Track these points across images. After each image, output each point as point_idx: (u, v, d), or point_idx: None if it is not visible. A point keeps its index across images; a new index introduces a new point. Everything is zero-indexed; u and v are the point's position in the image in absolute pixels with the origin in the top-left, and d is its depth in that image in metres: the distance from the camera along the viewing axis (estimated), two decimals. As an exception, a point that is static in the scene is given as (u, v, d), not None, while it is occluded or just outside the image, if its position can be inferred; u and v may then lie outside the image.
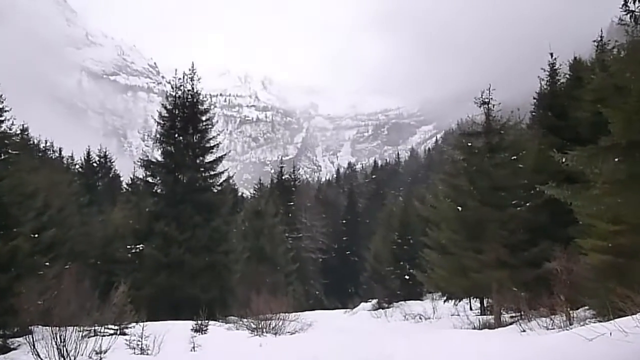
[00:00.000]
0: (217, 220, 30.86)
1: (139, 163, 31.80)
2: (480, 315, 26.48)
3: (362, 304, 45.46)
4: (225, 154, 33.60)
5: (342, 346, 15.58)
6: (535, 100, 27.30)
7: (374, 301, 43.75)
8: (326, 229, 73.85)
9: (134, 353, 15.63)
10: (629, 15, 11.55)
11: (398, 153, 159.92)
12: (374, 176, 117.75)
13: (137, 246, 30.12)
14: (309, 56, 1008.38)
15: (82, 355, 13.81)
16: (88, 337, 15.24)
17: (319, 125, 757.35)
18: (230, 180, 38.85)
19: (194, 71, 32.41)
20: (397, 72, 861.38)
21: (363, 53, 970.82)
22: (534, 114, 27.33)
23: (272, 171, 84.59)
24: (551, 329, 15.63)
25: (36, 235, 22.65)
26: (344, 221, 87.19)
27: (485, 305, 27.57)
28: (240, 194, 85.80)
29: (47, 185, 30.22)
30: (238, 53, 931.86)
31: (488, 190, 22.69)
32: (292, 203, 66.60)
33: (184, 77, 31.94)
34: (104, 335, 16.47)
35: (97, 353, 14.35)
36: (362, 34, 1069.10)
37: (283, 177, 70.93)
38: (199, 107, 32.14)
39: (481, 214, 22.34)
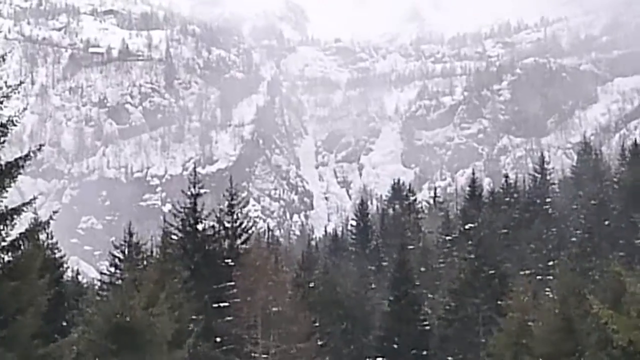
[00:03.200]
0: (4, 357, 30.85)
1: None
2: None
3: None
4: (26, 156, 33.51)
5: None
6: None
7: None
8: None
9: None
10: None
11: (543, 157, 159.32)
12: (468, 226, 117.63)
13: None
14: None
15: None
16: None
17: (309, 74, 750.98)
18: (43, 235, 38.30)
19: None
20: None
21: None
22: None
23: (167, 208, 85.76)
24: None
25: None
26: (381, 358, 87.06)
27: None
28: (72, 274, 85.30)
29: None
30: None
31: None
32: (226, 304, 66.54)
33: None
34: None
35: None
36: None
37: (198, 228, 71.14)
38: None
39: None
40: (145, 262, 68.75)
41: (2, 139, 32.25)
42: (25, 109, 36.74)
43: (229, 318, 66.63)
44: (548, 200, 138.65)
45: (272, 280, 71.81)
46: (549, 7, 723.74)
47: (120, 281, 64.48)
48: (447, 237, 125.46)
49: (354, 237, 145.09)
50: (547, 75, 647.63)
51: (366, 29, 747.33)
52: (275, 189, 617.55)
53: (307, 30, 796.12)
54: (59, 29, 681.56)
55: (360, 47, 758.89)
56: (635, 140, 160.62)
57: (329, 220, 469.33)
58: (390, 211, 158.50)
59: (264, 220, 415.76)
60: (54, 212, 37.93)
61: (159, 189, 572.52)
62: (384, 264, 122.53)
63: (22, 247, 32.77)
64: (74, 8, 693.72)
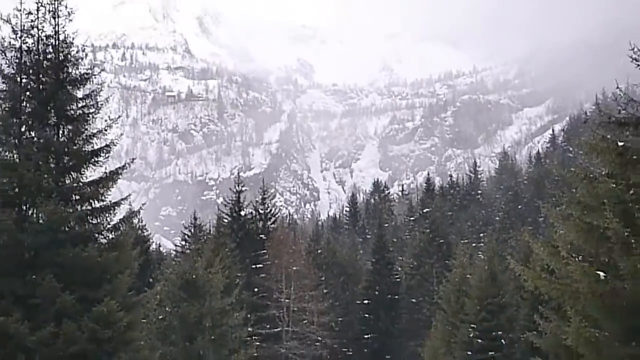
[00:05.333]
0: (108, 304, 30.43)
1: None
2: None
3: None
4: (123, 167, 33.21)
5: None
6: None
7: None
8: (331, 316, 73.56)
9: None
10: None
11: (475, 162, 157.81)
12: (425, 210, 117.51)
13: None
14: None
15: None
16: None
17: (315, 108, 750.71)
18: (135, 220, 38.32)
19: (61, -3, 32.03)
20: (472, 2, 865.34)
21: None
22: None
23: (220, 200, 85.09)
24: None
25: None
26: (367, 301, 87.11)
27: None
28: (155, 246, 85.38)
29: None
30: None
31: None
32: (260, 265, 66.51)
33: (38, 8, 31.51)
34: None
35: None
36: None
37: (241, 214, 71.04)
38: (71, 69, 31.76)
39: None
40: (205, 238, 68.93)
41: (107, 155, 32.29)
42: (122, 134, 36.61)
43: (262, 275, 66.87)
44: (479, 192, 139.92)
45: (292, 249, 72.02)
46: (478, 60, 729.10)
47: (188, 251, 64.54)
48: (411, 218, 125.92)
49: (347, 219, 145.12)
50: (478, 107, 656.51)
51: (354, 76, 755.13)
52: (294, 187, 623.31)
53: (313, 78, 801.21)
54: (145, 80, 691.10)
55: (350, 89, 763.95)
56: (538, 151, 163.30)
57: (330, 208, 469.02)
58: (372, 201, 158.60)
59: (286, 208, 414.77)
60: (143, 205, 37.82)
61: (214, 188, 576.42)
62: (368, 237, 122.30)
63: (121, 229, 32.73)
64: (155, 65, 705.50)
